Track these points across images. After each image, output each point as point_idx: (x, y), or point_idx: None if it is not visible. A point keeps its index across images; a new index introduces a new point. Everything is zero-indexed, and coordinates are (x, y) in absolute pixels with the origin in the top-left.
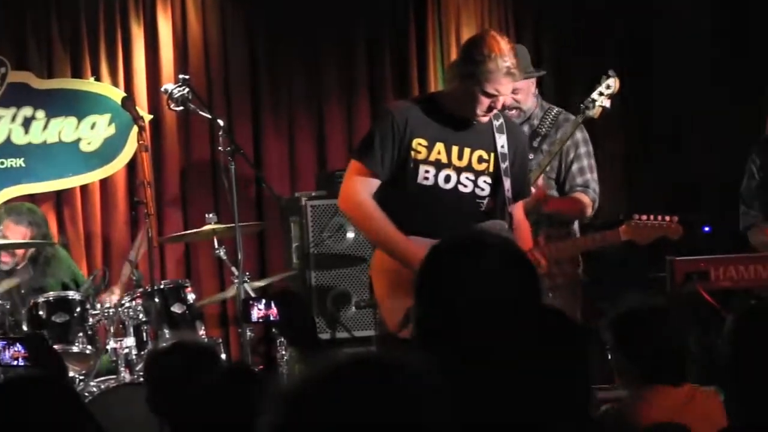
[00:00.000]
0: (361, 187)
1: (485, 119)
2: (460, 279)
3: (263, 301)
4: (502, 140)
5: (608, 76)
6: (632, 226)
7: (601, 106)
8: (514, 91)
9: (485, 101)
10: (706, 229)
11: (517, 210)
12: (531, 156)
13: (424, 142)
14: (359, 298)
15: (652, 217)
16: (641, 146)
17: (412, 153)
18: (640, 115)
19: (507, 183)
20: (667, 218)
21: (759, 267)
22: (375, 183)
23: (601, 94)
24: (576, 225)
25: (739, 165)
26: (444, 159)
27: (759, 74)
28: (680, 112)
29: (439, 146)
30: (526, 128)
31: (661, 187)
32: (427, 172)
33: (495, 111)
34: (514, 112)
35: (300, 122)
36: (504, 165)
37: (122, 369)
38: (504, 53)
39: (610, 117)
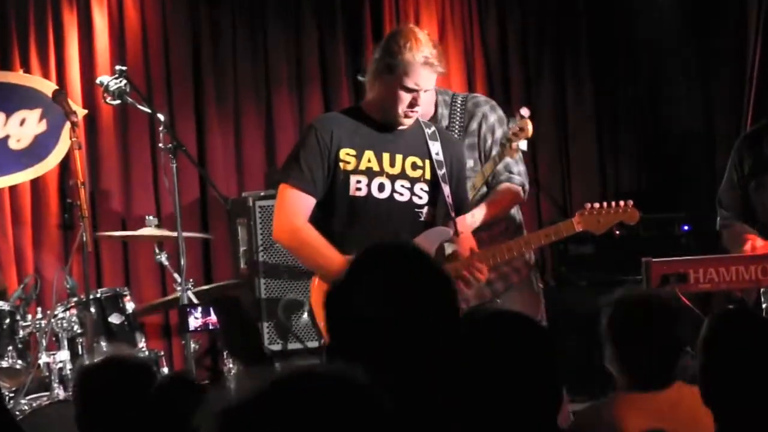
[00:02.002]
0: (295, 213)
1: (409, 120)
2: (362, 298)
3: (200, 309)
4: (436, 147)
5: (520, 117)
6: (585, 216)
7: (517, 148)
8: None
9: (405, 97)
10: (685, 227)
11: (461, 223)
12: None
13: (351, 152)
14: (311, 306)
15: (605, 204)
16: (614, 141)
17: (341, 165)
18: (612, 106)
19: (447, 189)
20: (621, 203)
21: (741, 268)
22: (309, 204)
23: (516, 135)
24: (519, 217)
25: (722, 160)
26: (375, 167)
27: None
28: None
29: (369, 154)
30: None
31: (636, 184)
32: (358, 182)
33: (418, 110)
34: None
35: (247, 115)
36: (441, 171)
37: (56, 385)
38: (422, 44)
39: (581, 109)
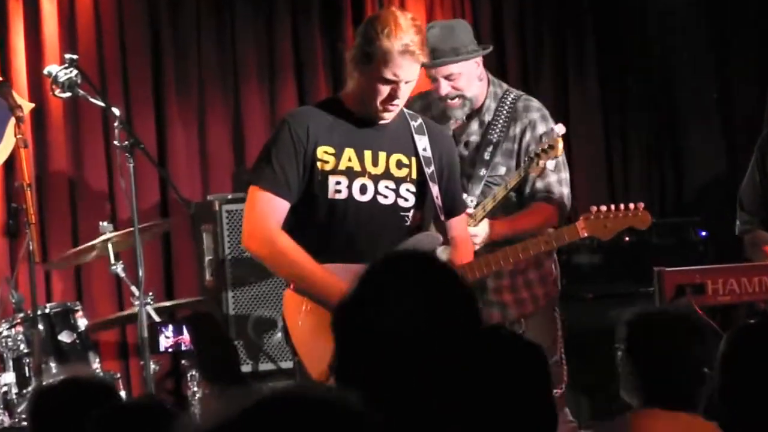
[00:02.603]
0: (266, 219)
1: (389, 114)
2: (379, 311)
3: (171, 327)
4: (423, 142)
5: (553, 133)
6: (591, 220)
7: (542, 167)
8: (451, 77)
9: (383, 89)
10: (702, 233)
11: (456, 226)
12: (482, 170)
13: (330, 149)
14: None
15: (613, 207)
16: (622, 139)
17: (319, 164)
18: (622, 103)
19: (435, 190)
20: (631, 206)
21: (764, 278)
22: (283, 209)
23: (545, 152)
24: None
25: (742, 161)
26: (356, 166)
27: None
28: (669, 99)
29: (349, 152)
30: (475, 125)
31: (648, 186)
32: (338, 183)
33: (397, 104)
34: (456, 101)
35: (213, 110)
36: (429, 170)
37: (0, 410)
38: (402, 29)
39: (585, 103)
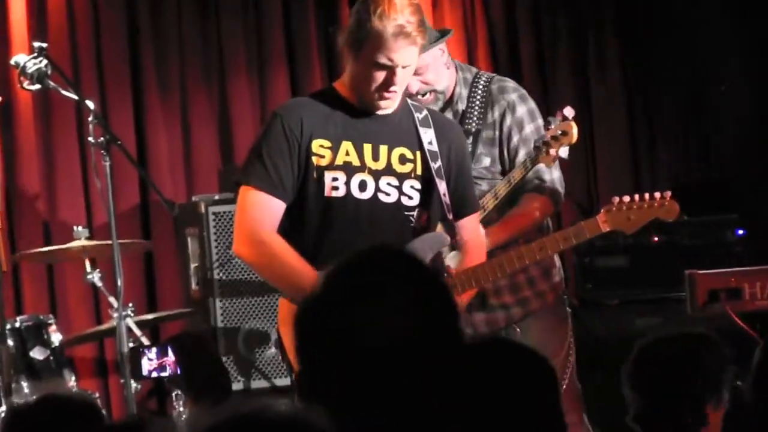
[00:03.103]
0: (259, 222)
1: (387, 103)
2: (344, 316)
3: (155, 349)
4: (428, 135)
5: (563, 118)
6: (613, 213)
7: (554, 156)
8: (418, 72)
9: (378, 75)
10: (739, 232)
11: (467, 227)
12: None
13: (326, 143)
14: (277, 341)
15: (637, 197)
16: (649, 129)
17: (314, 159)
18: (647, 87)
19: (442, 187)
20: (657, 195)
21: None
22: (277, 209)
23: (555, 138)
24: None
25: None
26: (355, 161)
27: None
28: (700, 83)
29: (347, 146)
30: (450, 117)
31: (678, 181)
32: (335, 180)
33: (395, 91)
34: (428, 97)
35: (197, 103)
36: (435, 165)
37: None
38: (396, 9)
39: (607, 89)
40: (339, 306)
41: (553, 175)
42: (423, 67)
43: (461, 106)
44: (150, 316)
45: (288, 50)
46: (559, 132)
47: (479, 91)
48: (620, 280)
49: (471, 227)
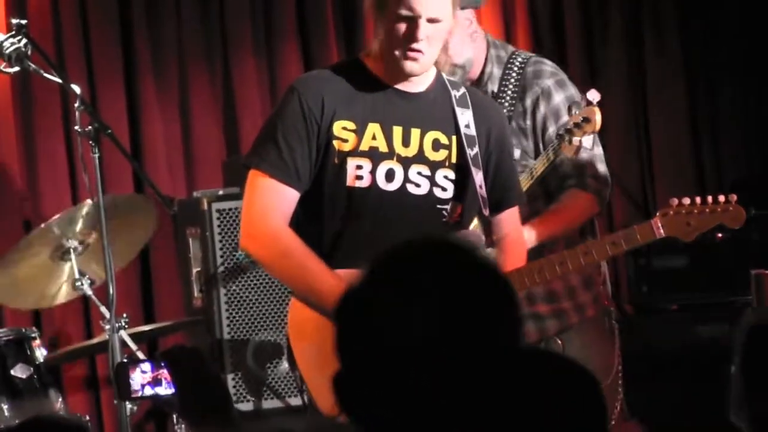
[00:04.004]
0: (270, 213)
1: (413, 65)
2: (394, 320)
3: (149, 364)
4: (466, 117)
5: (587, 103)
6: (671, 217)
7: (577, 145)
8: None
9: (401, 29)
10: None
11: (507, 222)
12: None
13: (350, 125)
14: (287, 352)
15: (698, 200)
16: (712, 114)
17: (336, 143)
18: (709, 66)
19: (479, 177)
20: (721, 198)
21: None
22: (290, 199)
23: (578, 125)
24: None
25: None
26: (383, 147)
27: None
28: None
29: (374, 128)
30: None
31: (744, 172)
32: (359, 168)
33: (420, 49)
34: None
35: (197, 87)
36: (472, 151)
37: None
38: None
39: (665, 70)
40: (387, 300)
41: (597, 168)
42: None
43: (492, 87)
44: (146, 328)
45: (299, 24)
46: (581, 119)
47: (513, 73)
48: (680, 283)
49: (511, 221)
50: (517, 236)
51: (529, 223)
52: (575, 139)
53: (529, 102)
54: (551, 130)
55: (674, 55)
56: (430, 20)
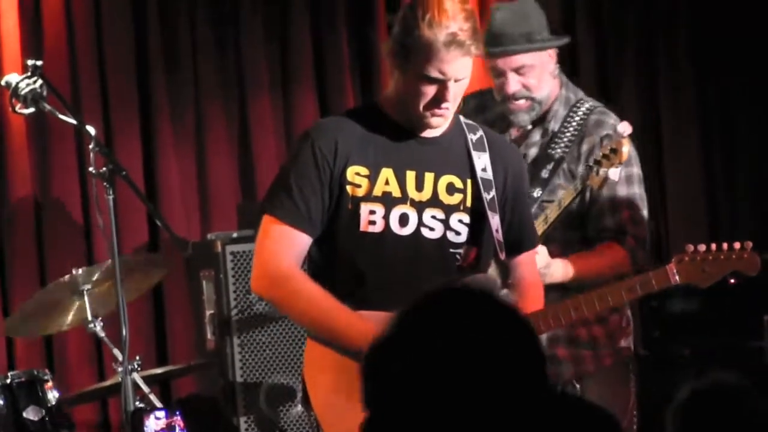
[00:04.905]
0: (280, 256)
1: (438, 121)
2: (422, 369)
3: (163, 412)
4: (483, 161)
5: (616, 134)
6: (686, 263)
7: (604, 177)
8: (521, 71)
9: (428, 90)
10: None
11: (524, 266)
12: (537, 191)
13: (363, 170)
14: (302, 393)
15: (714, 247)
16: (727, 154)
17: (349, 189)
18: (725, 103)
19: (495, 221)
20: (737, 246)
21: None
22: (303, 244)
23: (606, 157)
24: None
25: None
26: (396, 191)
27: None
28: None
29: (387, 173)
30: (537, 134)
31: (759, 214)
32: (372, 213)
33: (447, 108)
34: (523, 102)
35: (213, 129)
36: (488, 195)
37: None
38: (448, 15)
39: (679, 106)
40: (415, 350)
41: (637, 227)
42: (528, 67)
43: (553, 126)
44: (159, 371)
45: (316, 68)
46: (609, 149)
47: (577, 117)
48: (692, 327)
49: (528, 264)
50: (533, 279)
51: (566, 258)
52: (602, 171)
53: (585, 148)
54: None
55: (690, 98)
56: (456, 81)
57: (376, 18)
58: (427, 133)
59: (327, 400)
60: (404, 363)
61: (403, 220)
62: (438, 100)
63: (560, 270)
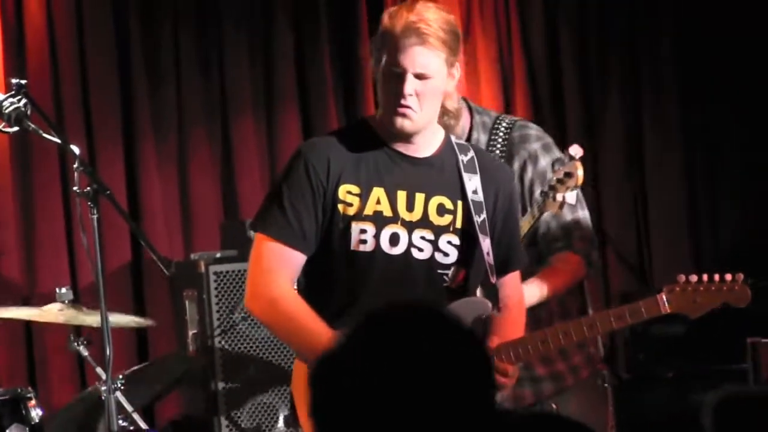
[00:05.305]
0: (273, 275)
1: (403, 121)
2: (365, 384)
3: None
4: (474, 183)
5: (569, 158)
6: (677, 293)
7: (561, 201)
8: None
9: (391, 86)
10: None
11: (510, 285)
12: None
13: (355, 189)
14: (290, 410)
15: (705, 277)
16: (711, 180)
17: (340, 207)
18: (708, 130)
19: (486, 244)
20: (728, 277)
21: None
22: (296, 262)
23: (560, 182)
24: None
25: None
26: (387, 211)
27: None
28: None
29: (378, 193)
30: None
31: (743, 240)
32: (363, 232)
33: (410, 103)
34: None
35: (196, 149)
36: (480, 218)
37: None
38: (412, 11)
39: (662, 134)
40: (359, 365)
41: (584, 230)
42: None
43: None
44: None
45: (299, 88)
46: (563, 173)
47: (499, 139)
48: (676, 350)
49: (513, 284)
50: (518, 299)
51: (533, 278)
52: (558, 195)
53: (516, 166)
54: (538, 192)
55: (674, 125)
56: (418, 76)
57: (359, 38)
58: (418, 152)
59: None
60: (351, 377)
61: (394, 239)
62: (397, 93)
63: (536, 293)
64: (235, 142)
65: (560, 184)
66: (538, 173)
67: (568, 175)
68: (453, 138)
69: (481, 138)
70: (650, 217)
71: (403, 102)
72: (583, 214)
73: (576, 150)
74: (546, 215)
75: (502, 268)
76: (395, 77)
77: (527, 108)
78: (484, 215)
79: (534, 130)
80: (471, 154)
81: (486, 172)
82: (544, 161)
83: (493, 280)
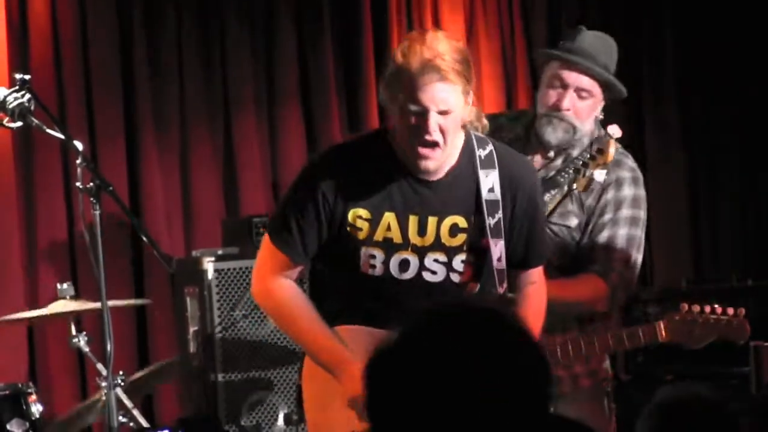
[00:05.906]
0: (270, 269)
1: (428, 163)
2: (425, 381)
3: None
4: (490, 179)
5: (606, 135)
6: (677, 322)
7: (589, 178)
8: (582, 94)
9: (412, 125)
10: None
11: (533, 272)
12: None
13: (365, 214)
14: (290, 408)
15: (708, 308)
16: (712, 186)
17: (349, 230)
18: (709, 135)
19: (497, 248)
20: (730, 311)
21: None
22: (295, 269)
23: (592, 158)
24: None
25: None
26: (397, 237)
27: None
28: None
29: (389, 218)
30: (559, 161)
31: (743, 243)
32: (372, 257)
33: (434, 142)
34: (565, 121)
35: (198, 145)
36: (493, 219)
37: None
38: (426, 44)
39: (663, 139)
40: (419, 362)
41: (628, 269)
42: (587, 94)
43: (574, 152)
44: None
45: (301, 85)
46: (596, 150)
47: (589, 151)
48: (676, 353)
49: (536, 273)
50: (540, 290)
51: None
52: (588, 172)
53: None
54: (606, 216)
55: (674, 131)
56: (441, 113)
57: (362, 36)
58: (432, 176)
59: (316, 402)
60: (407, 375)
61: (404, 265)
62: (420, 132)
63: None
64: (237, 139)
65: (591, 160)
66: (616, 198)
67: (600, 152)
68: (474, 133)
69: (584, 141)
70: (650, 217)
71: (428, 138)
72: (636, 257)
73: (614, 129)
74: (603, 234)
75: (522, 264)
76: (416, 115)
77: (528, 105)
78: (498, 214)
79: (630, 161)
80: (489, 147)
81: (505, 169)
82: (628, 191)
83: (501, 289)
